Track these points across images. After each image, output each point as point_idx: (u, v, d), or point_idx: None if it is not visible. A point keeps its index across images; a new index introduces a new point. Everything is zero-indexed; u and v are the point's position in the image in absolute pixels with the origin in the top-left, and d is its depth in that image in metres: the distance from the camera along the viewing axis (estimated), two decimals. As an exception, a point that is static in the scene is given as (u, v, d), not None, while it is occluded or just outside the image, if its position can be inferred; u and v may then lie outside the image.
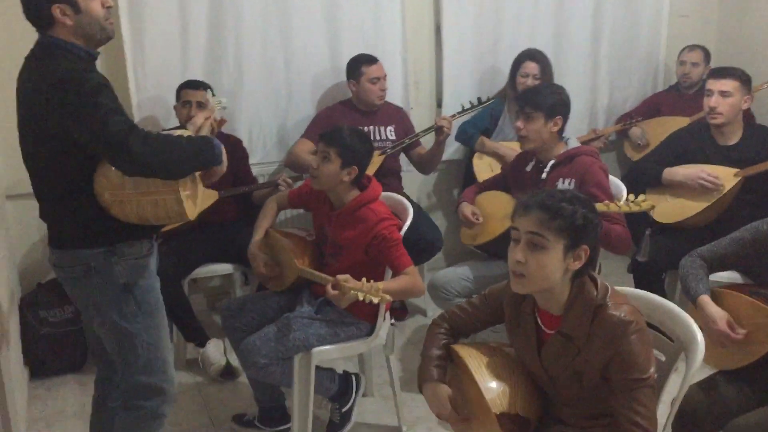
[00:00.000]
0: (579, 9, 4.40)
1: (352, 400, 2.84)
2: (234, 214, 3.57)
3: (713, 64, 4.28)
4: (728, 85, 3.12)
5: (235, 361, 3.22)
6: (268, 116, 3.90)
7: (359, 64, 3.68)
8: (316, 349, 2.59)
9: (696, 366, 1.71)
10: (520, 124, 2.82)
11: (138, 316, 2.10)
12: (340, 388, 2.83)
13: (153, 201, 1.98)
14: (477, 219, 2.99)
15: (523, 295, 1.78)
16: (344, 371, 2.90)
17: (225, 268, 3.50)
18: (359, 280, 2.33)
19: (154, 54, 3.56)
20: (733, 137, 3.22)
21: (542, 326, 1.76)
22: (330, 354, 2.64)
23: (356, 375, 2.91)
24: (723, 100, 3.12)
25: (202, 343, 3.36)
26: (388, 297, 2.21)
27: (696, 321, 1.81)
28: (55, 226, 2.09)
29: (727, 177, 3.11)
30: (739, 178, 3.09)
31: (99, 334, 2.17)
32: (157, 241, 2.22)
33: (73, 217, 2.02)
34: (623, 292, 1.80)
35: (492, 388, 1.73)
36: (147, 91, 3.59)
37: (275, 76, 3.85)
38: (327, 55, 3.93)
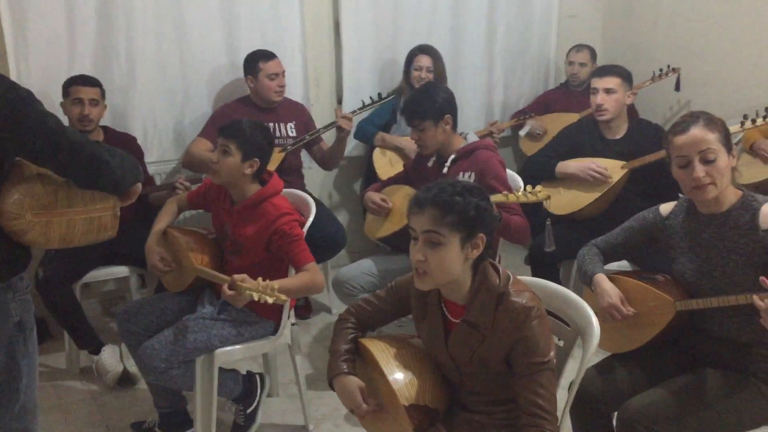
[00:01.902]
0: (474, 8, 4.50)
1: (256, 401, 2.80)
2: (129, 216, 3.40)
3: (599, 63, 4.48)
4: (611, 82, 3.28)
5: (132, 367, 3.10)
6: (163, 113, 3.79)
7: (257, 60, 3.63)
8: (219, 350, 2.53)
9: (592, 350, 1.78)
10: (414, 136, 2.87)
11: (26, 357, 1.86)
12: (245, 389, 2.77)
13: (88, 219, 1.82)
14: (386, 203, 2.99)
15: None
16: (248, 371, 2.85)
17: (120, 270, 3.37)
18: (261, 277, 2.29)
19: (39, 47, 3.38)
20: (619, 132, 3.38)
21: (448, 315, 1.79)
22: (234, 355, 2.58)
23: (261, 375, 2.86)
24: (608, 97, 3.28)
25: (96, 351, 3.22)
26: (283, 297, 2.16)
27: (591, 305, 1.89)
28: None
29: (614, 169, 3.27)
30: (625, 170, 3.25)
31: None
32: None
33: None
34: (523, 280, 1.85)
35: (400, 380, 1.74)
36: (31, 87, 3.37)
37: (170, 71, 3.74)
38: (224, 50, 3.85)
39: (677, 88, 4.21)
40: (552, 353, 1.67)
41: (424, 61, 3.92)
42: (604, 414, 2.14)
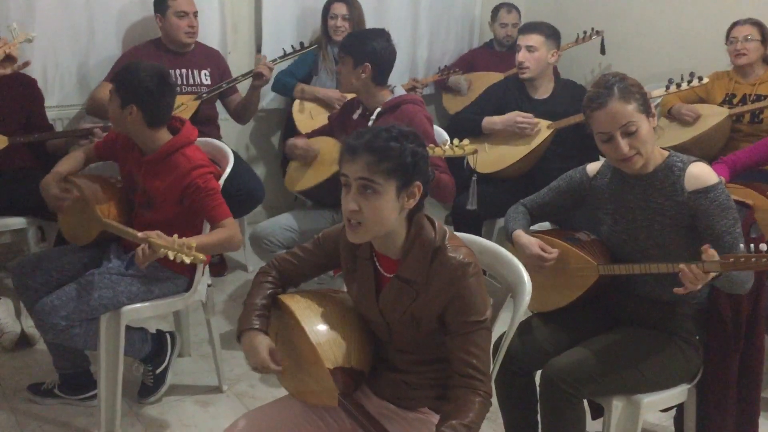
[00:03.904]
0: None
1: (166, 361, 2.66)
2: (27, 163, 3.17)
3: (524, 22, 4.44)
4: (534, 39, 3.24)
5: (31, 328, 2.89)
6: (66, 54, 3.51)
7: None
8: (126, 308, 2.37)
9: (524, 306, 1.74)
10: (338, 68, 2.82)
11: None
12: (154, 349, 2.64)
13: None
14: (310, 147, 2.87)
15: None
16: (158, 330, 2.71)
17: (16, 222, 3.10)
18: (174, 232, 2.13)
19: None
20: (545, 91, 3.36)
21: (381, 270, 1.69)
22: (142, 312, 2.44)
23: (171, 333, 2.73)
24: (529, 54, 3.24)
25: (-11, 307, 2.98)
26: (201, 257, 2.04)
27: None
28: None
29: (540, 128, 3.24)
30: (551, 130, 3.23)
31: None
32: None
33: None
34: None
35: (324, 342, 1.64)
36: None
37: (73, 8, 3.46)
38: (133, -13, 3.59)
39: (602, 51, 4.23)
40: (488, 312, 1.61)
41: (340, 8, 3.80)
42: (526, 373, 2.13)
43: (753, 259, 1.73)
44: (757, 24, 3.39)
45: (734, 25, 3.44)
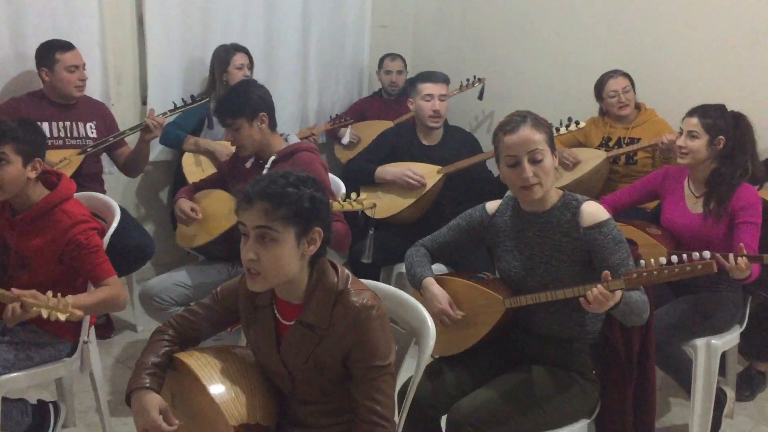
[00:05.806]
0: (288, 10, 4.40)
1: (49, 434, 2.47)
2: None
3: (411, 73, 4.56)
4: (444, 89, 3.37)
5: None
6: (-69, 108, 3.28)
7: (53, 51, 3.27)
8: (2, 378, 2.20)
9: (428, 351, 1.74)
10: (229, 137, 2.75)
11: None
12: (35, 421, 2.45)
13: None
14: (197, 214, 2.80)
15: None
16: (39, 400, 2.52)
17: None
18: (51, 291, 2.00)
19: None
20: (435, 138, 3.44)
21: (280, 319, 1.65)
22: (21, 382, 2.27)
23: (54, 403, 2.55)
24: (442, 104, 3.34)
25: None
26: (78, 312, 1.92)
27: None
28: None
29: (431, 174, 3.32)
30: (441, 175, 3.31)
31: None
32: None
33: None
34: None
35: (227, 398, 1.57)
36: None
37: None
38: (8, 40, 3.43)
39: (480, 97, 4.39)
40: (392, 357, 1.60)
41: (243, 59, 3.79)
42: (433, 418, 2.12)
43: (654, 272, 1.84)
44: (625, 75, 3.61)
45: (607, 79, 3.61)
